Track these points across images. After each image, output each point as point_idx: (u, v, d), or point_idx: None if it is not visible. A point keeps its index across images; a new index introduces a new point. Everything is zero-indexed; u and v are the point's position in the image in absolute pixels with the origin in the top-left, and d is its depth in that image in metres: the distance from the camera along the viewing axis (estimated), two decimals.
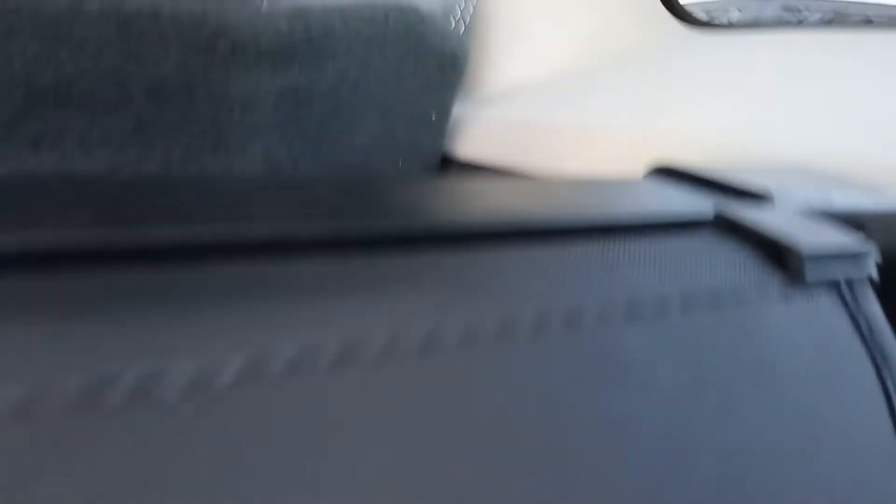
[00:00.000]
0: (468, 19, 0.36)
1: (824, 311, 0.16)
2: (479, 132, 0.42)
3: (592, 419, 0.12)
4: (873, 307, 0.17)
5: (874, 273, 0.18)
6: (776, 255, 0.17)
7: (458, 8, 0.34)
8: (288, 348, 0.10)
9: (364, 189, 0.16)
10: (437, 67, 0.34)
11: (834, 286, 0.17)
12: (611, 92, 0.42)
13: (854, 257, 0.17)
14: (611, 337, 0.13)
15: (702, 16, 0.47)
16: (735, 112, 0.32)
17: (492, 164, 0.41)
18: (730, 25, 0.48)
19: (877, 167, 0.24)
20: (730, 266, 0.16)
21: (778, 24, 0.46)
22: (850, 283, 0.17)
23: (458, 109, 0.45)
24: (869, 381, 0.15)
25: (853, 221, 0.21)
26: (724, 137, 0.32)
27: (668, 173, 0.23)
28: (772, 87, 0.34)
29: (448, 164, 0.42)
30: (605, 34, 0.47)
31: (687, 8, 0.47)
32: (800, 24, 0.42)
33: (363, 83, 0.29)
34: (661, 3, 0.46)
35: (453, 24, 0.34)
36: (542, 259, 0.14)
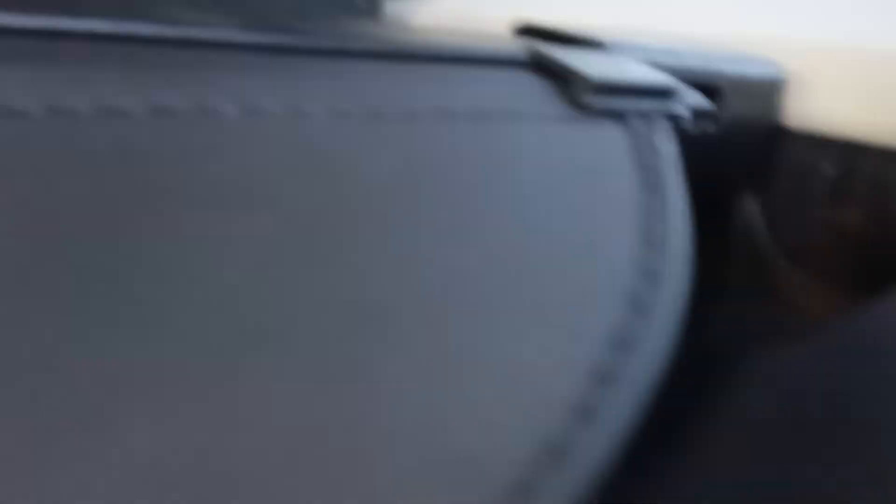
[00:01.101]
0: None
1: (605, 139, 0.16)
2: (429, 21, 0.42)
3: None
4: (666, 145, 0.16)
5: (683, 112, 0.17)
6: (569, 84, 0.16)
7: None
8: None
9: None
10: None
11: (623, 118, 0.16)
12: None
13: (656, 93, 0.17)
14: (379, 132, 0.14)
15: None
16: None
17: None
18: None
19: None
20: (516, 91, 0.16)
21: None
22: (645, 117, 0.17)
23: (404, 4, 0.44)
24: (628, 215, 0.15)
25: (707, 84, 0.21)
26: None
27: (532, 31, 0.22)
28: None
29: None
30: None
31: None
32: None
33: None
34: None
35: None
36: (370, 70, 0.16)
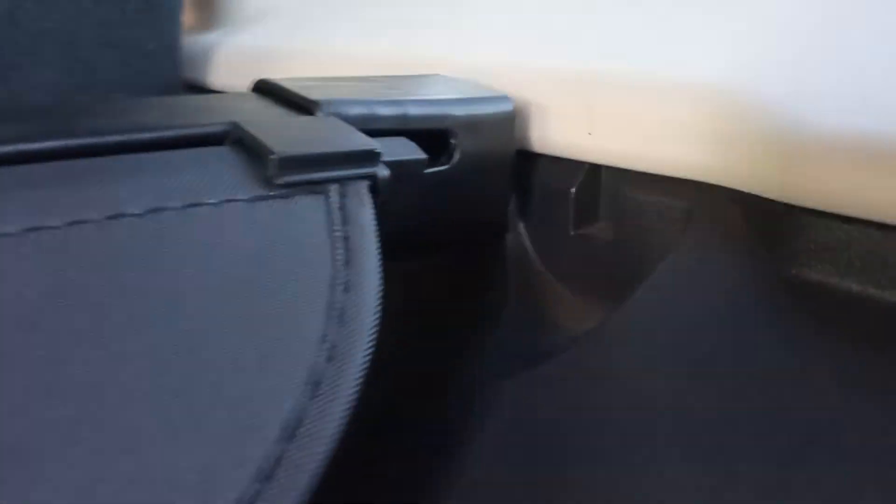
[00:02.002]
0: None
1: (296, 215, 0.16)
2: (229, 59, 0.41)
3: None
4: (364, 211, 0.17)
5: (382, 173, 0.17)
6: (261, 160, 0.17)
7: None
8: None
9: None
10: None
11: (318, 189, 0.17)
12: (363, 13, 0.41)
13: (353, 159, 0.17)
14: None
15: None
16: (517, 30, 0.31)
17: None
18: None
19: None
20: (205, 176, 0.16)
21: None
22: (342, 185, 0.17)
23: (207, 38, 0.43)
24: (317, 292, 0.15)
25: (438, 129, 0.21)
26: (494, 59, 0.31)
27: (265, 88, 0.22)
28: None
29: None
30: None
31: None
32: None
33: (34, 17, 0.28)
34: None
35: None
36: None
